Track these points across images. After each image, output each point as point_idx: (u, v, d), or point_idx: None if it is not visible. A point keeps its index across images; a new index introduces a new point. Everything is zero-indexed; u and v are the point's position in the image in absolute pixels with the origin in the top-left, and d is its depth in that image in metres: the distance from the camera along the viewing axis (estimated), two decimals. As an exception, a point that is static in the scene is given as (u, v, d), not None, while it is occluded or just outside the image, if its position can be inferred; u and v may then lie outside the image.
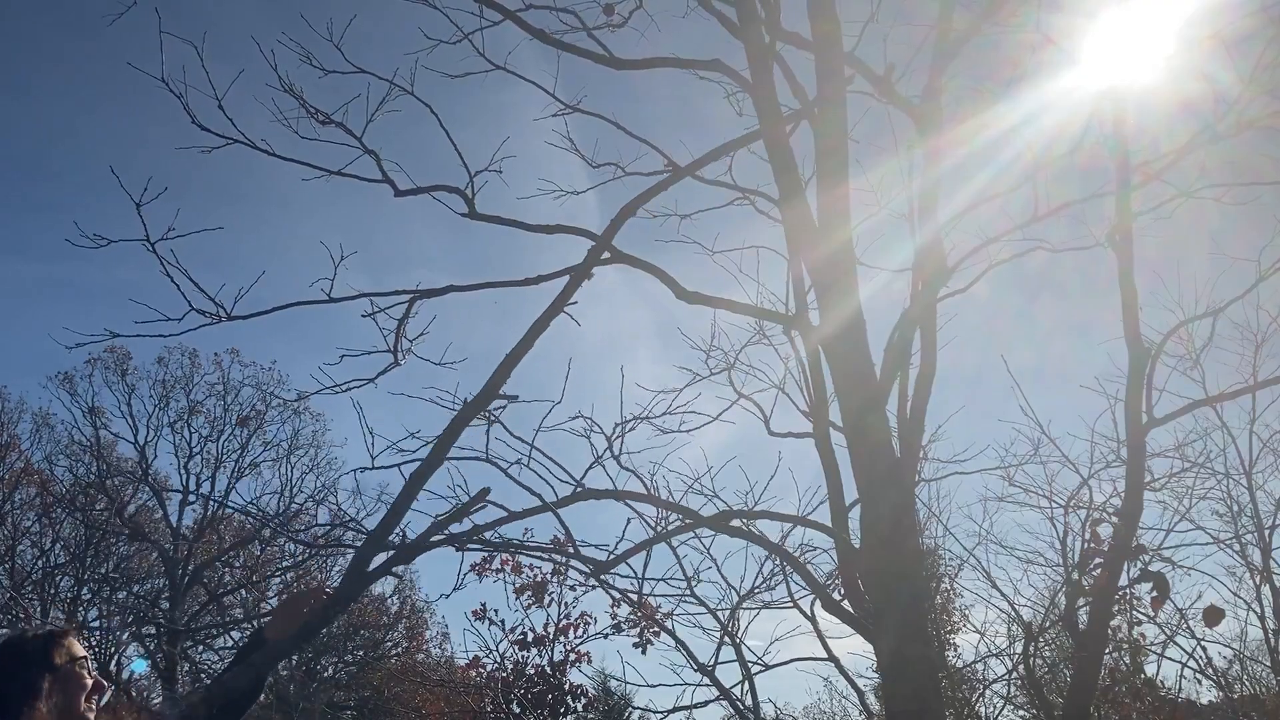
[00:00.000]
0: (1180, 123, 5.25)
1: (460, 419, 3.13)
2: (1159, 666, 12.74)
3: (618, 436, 5.30)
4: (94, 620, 27.00)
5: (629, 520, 5.50)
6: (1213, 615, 5.51)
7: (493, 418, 4.89)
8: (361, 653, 29.79)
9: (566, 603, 12.06)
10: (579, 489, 4.82)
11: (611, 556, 4.54)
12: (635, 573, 5.71)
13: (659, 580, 6.16)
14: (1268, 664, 14.19)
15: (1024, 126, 5.35)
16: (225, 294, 4.83)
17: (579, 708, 11.86)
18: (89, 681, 2.52)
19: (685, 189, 6.32)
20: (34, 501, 26.59)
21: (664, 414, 5.82)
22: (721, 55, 5.80)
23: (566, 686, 11.87)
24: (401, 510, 3.06)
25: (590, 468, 5.01)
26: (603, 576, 4.95)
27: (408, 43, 5.82)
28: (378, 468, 4.27)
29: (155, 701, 26.88)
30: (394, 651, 30.06)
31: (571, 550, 4.82)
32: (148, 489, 27.98)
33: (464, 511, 3.18)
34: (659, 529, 5.75)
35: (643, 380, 5.97)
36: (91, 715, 2.52)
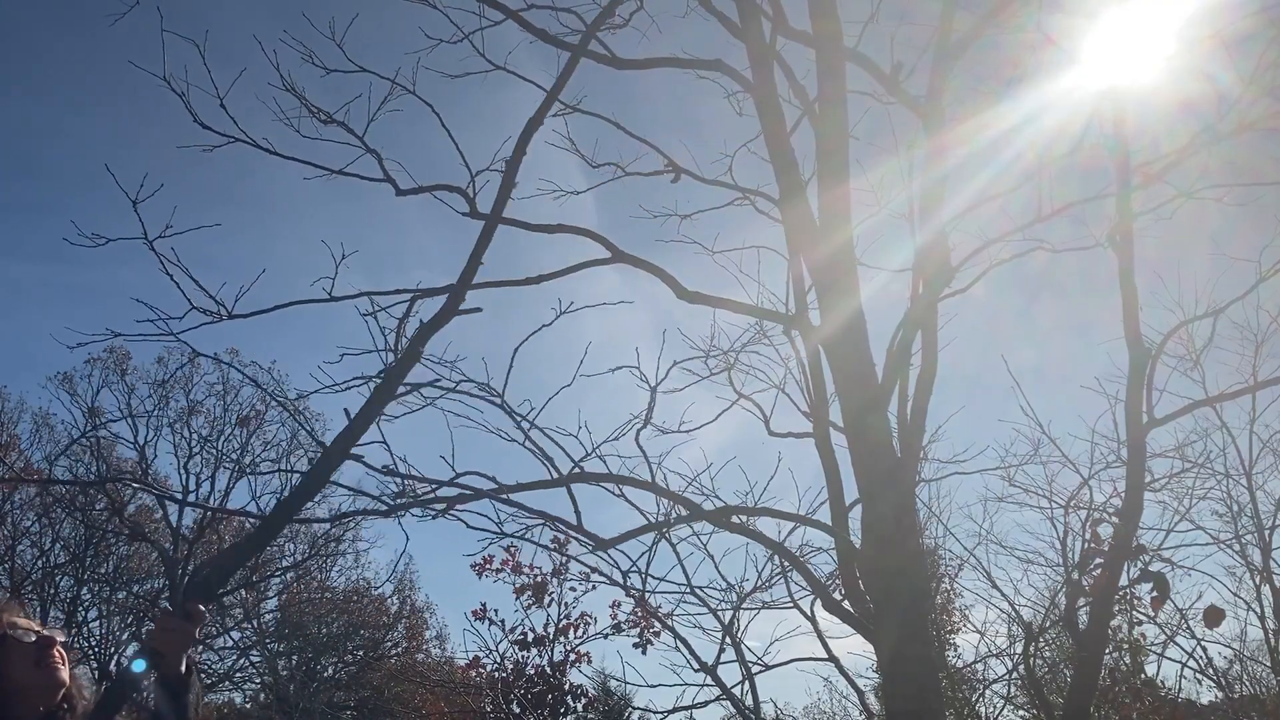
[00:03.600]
0: (1181, 123, 5.25)
1: (422, 334, 3.05)
2: (1159, 666, 12.74)
3: (635, 425, 5.30)
4: (94, 620, 27.00)
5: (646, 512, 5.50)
6: (1213, 615, 5.51)
7: (497, 399, 4.88)
8: (361, 653, 29.77)
9: (566, 603, 12.07)
10: (576, 470, 4.82)
11: (623, 568, 4.55)
12: (639, 569, 5.72)
13: (660, 580, 6.17)
14: (1268, 664, 14.18)
15: (1024, 127, 5.35)
16: (225, 294, 4.83)
17: (579, 708, 11.86)
18: (31, 640, 2.40)
19: (686, 189, 6.33)
20: (34, 501, 26.60)
21: (673, 428, 5.83)
22: (722, 55, 5.81)
23: (566, 686, 11.86)
24: (362, 426, 2.98)
25: (586, 457, 5.02)
26: (609, 573, 4.97)
27: (409, 42, 5.83)
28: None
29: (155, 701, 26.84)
30: (394, 651, 30.05)
31: (577, 526, 4.81)
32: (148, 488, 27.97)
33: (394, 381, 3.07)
34: (658, 524, 5.75)
35: (641, 381, 5.96)
36: (59, 673, 2.39)
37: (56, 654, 2.42)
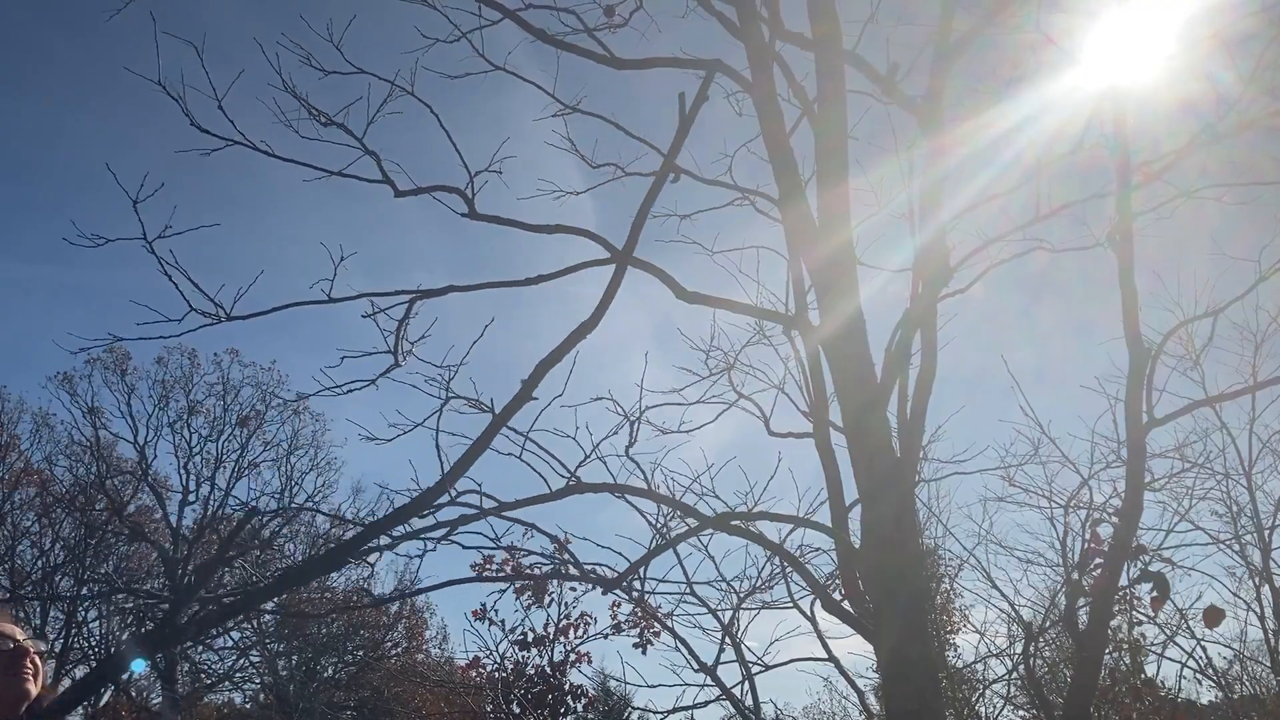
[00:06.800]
0: (1181, 123, 5.24)
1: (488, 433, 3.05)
2: (1159, 666, 12.73)
3: (632, 422, 5.28)
4: (94, 620, 27.00)
5: (649, 519, 5.47)
6: (1213, 615, 5.50)
7: (484, 407, 4.89)
8: (361, 653, 29.77)
9: (566, 603, 12.07)
10: (572, 482, 4.81)
11: (623, 569, 4.54)
12: (637, 574, 5.72)
13: (659, 581, 6.17)
14: (1268, 664, 14.17)
15: (1024, 126, 5.34)
16: (224, 295, 4.83)
17: (579, 708, 11.86)
18: (8, 649, 2.39)
19: (685, 189, 6.32)
20: (34, 501, 26.60)
21: (672, 429, 5.82)
22: (722, 55, 5.80)
23: (566, 687, 11.86)
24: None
25: (583, 462, 5.02)
26: (608, 574, 4.97)
27: (407, 43, 5.82)
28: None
29: (155, 702, 26.88)
30: (394, 651, 30.06)
31: (574, 563, 4.81)
32: (148, 489, 27.98)
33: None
34: (658, 526, 5.74)
35: (640, 382, 5.96)
36: (25, 684, 2.38)
37: (28, 665, 2.41)
